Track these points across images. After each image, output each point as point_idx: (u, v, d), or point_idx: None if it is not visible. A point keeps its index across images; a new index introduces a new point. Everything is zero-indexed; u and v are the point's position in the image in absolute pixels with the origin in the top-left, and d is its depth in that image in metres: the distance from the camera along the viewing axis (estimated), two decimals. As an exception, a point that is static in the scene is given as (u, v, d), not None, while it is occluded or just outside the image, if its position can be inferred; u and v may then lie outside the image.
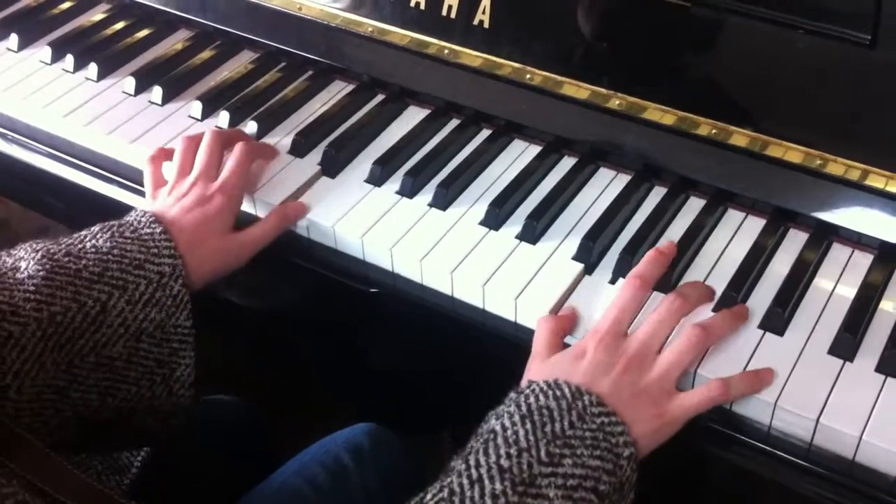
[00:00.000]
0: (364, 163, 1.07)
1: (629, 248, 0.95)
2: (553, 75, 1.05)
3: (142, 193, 1.10)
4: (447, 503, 0.68)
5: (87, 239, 0.87)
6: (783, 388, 0.82)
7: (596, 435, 0.72)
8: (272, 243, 0.98)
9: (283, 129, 1.13)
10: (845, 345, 0.85)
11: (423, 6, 1.11)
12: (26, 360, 0.79)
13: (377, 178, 1.05)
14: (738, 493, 0.89)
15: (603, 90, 1.03)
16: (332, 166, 1.07)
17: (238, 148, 1.02)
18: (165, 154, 1.04)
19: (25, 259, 0.84)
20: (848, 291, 0.90)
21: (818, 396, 0.81)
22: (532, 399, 0.74)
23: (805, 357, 0.84)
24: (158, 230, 0.88)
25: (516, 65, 1.07)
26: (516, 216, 1.00)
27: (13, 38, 1.27)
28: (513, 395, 0.77)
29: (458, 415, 1.00)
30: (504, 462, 0.69)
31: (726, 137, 0.98)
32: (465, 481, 0.69)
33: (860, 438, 0.78)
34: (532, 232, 0.97)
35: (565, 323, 0.87)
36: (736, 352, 0.85)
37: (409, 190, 1.03)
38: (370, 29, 1.15)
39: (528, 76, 1.07)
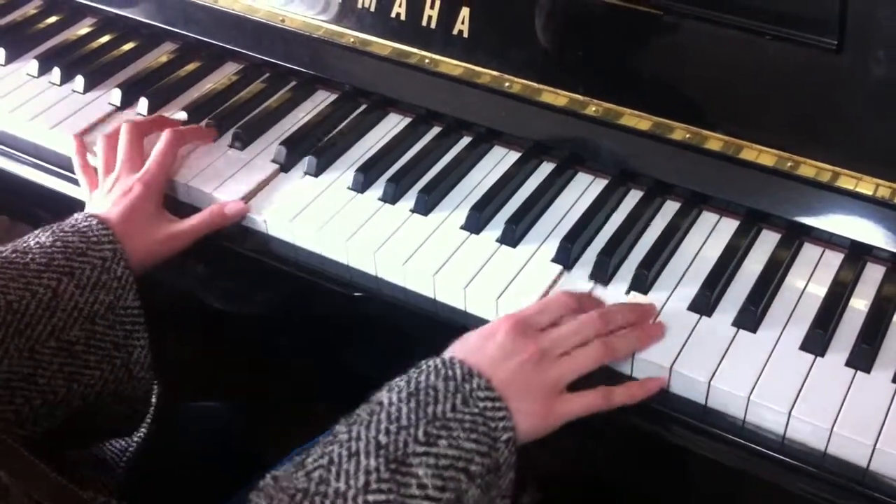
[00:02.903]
0: (347, 170, 1.09)
1: (606, 249, 0.97)
2: (531, 83, 1.08)
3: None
4: (325, 470, 0.71)
5: (31, 238, 0.94)
6: (756, 383, 0.84)
7: (476, 419, 0.75)
8: (258, 247, 1.00)
9: (267, 138, 1.15)
10: (817, 340, 0.87)
11: (403, 17, 1.13)
12: None
13: (360, 184, 1.07)
14: (713, 487, 0.91)
15: (580, 97, 1.05)
16: (316, 174, 1.09)
17: (163, 136, 1.08)
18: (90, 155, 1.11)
19: None
20: (819, 289, 0.93)
21: (790, 391, 0.83)
22: (423, 377, 0.77)
23: (777, 353, 0.87)
24: (95, 222, 0.95)
25: (495, 73, 1.09)
26: (497, 220, 1.02)
27: (0, 52, 1.29)
28: (413, 368, 0.80)
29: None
30: (382, 438, 0.73)
31: (700, 142, 1.00)
32: (345, 452, 0.72)
33: (832, 430, 0.80)
34: (512, 235, 0.99)
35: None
36: (710, 348, 0.87)
37: (392, 196, 1.05)
38: (352, 40, 1.17)
39: (506, 84, 1.09)
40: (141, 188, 1.01)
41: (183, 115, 1.18)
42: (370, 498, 0.69)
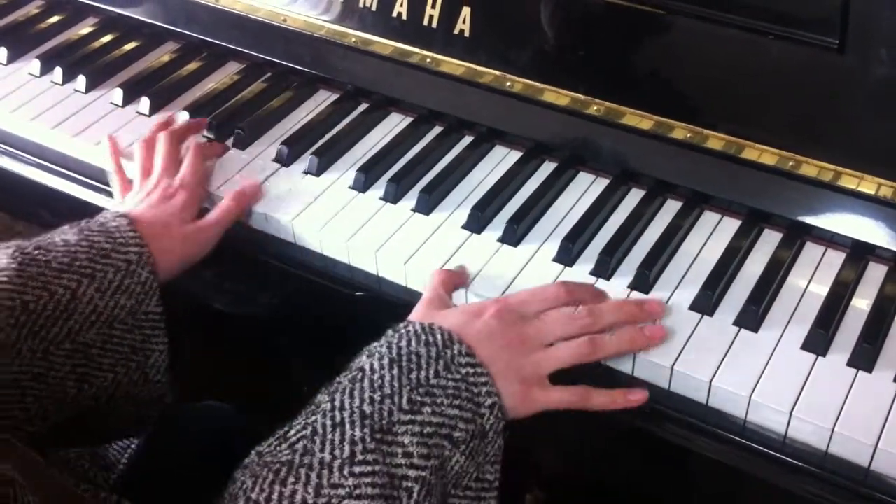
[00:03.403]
0: (349, 169, 1.09)
1: (608, 249, 0.97)
2: (533, 82, 1.08)
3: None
4: (308, 441, 0.71)
5: (56, 234, 0.91)
6: (757, 382, 0.84)
7: (459, 385, 0.76)
8: (260, 246, 1.00)
9: (269, 137, 1.15)
10: (818, 340, 0.87)
11: (405, 16, 1.13)
12: (1, 346, 0.82)
13: (361, 184, 1.07)
14: (715, 487, 0.91)
15: (581, 96, 1.05)
16: (318, 173, 1.09)
17: (192, 149, 1.08)
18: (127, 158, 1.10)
19: None
20: (821, 289, 0.93)
21: (792, 390, 0.83)
22: (404, 342, 0.78)
23: (779, 353, 0.87)
24: (124, 222, 0.93)
25: (497, 72, 1.09)
26: (498, 220, 1.02)
27: (2, 52, 1.29)
28: (389, 332, 0.80)
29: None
30: (367, 408, 0.73)
31: (702, 141, 1.00)
32: (329, 423, 0.72)
33: (833, 430, 0.80)
34: (513, 235, 0.99)
35: (455, 278, 0.93)
36: (712, 348, 0.87)
37: (393, 195, 1.05)
38: (354, 39, 1.17)
39: (508, 84, 1.09)
40: (185, 194, 1.00)
41: (185, 115, 1.18)
42: (356, 469, 0.69)
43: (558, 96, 1.07)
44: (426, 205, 1.03)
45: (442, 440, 0.73)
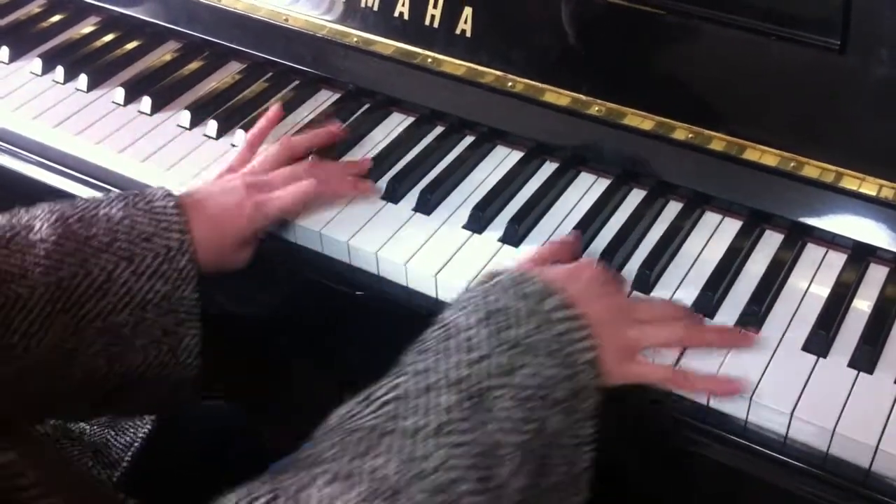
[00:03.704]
0: (350, 169, 1.09)
1: (609, 249, 0.97)
2: (534, 82, 1.08)
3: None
4: (396, 403, 0.67)
5: (102, 206, 0.88)
6: (758, 383, 0.84)
7: (557, 340, 0.72)
8: (260, 248, 0.99)
9: (270, 137, 1.15)
10: (819, 341, 0.87)
11: (406, 16, 1.13)
12: (33, 321, 0.80)
13: (363, 184, 1.07)
14: (715, 488, 0.90)
15: (583, 97, 1.05)
16: (319, 173, 1.09)
17: (317, 176, 1.00)
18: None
19: (41, 219, 0.85)
20: (822, 290, 0.93)
21: (793, 391, 0.83)
22: (492, 297, 0.74)
23: (780, 354, 0.86)
24: (171, 204, 0.89)
25: (498, 73, 1.09)
26: (499, 220, 1.01)
27: (4, 51, 1.29)
28: (480, 282, 0.76)
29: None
30: (458, 373, 0.68)
31: (703, 142, 1.00)
32: (417, 387, 0.68)
33: (834, 431, 0.80)
34: (514, 235, 0.99)
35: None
36: (713, 349, 0.87)
37: (394, 195, 1.05)
38: (355, 39, 1.17)
39: (509, 84, 1.09)
40: (269, 198, 0.95)
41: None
42: (447, 440, 0.65)
43: (559, 96, 1.07)
44: (427, 204, 1.03)
45: (540, 402, 0.69)
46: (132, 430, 1.00)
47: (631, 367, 0.80)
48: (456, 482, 0.64)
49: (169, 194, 0.90)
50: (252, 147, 1.06)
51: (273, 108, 1.13)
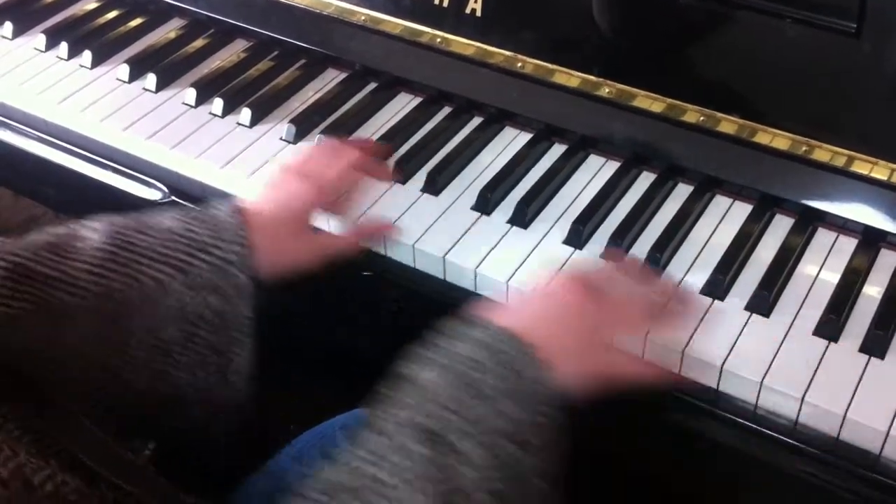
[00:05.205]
0: (357, 149, 1.08)
1: (618, 232, 0.96)
2: (544, 63, 1.07)
3: (135, 179, 1.11)
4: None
5: (160, 216, 0.84)
6: (769, 367, 0.83)
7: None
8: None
9: (276, 116, 1.14)
10: (830, 326, 0.86)
11: (416, -5, 1.12)
12: (80, 332, 0.77)
13: (370, 164, 1.06)
14: (724, 472, 0.90)
15: (593, 78, 1.05)
16: (326, 152, 1.08)
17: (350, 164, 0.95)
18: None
19: (96, 229, 0.81)
20: (832, 275, 0.92)
21: (803, 375, 0.83)
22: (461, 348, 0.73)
23: (791, 338, 0.86)
24: (232, 214, 0.83)
25: (508, 53, 1.08)
26: (508, 201, 1.01)
27: (8, 26, 1.28)
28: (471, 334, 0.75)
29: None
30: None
31: (714, 125, 0.99)
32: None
33: (844, 416, 0.80)
34: (523, 216, 0.98)
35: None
36: (723, 332, 0.86)
37: (402, 176, 1.04)
38: (363, 18, 1.16)
39: (519, 64, 1.08)
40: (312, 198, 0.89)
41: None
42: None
43: (570, 78, 1.06)
44: (435, 185, 1.03)
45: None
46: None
47: (601, 358, 0.77)
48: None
49: (235, 209, 0.84)
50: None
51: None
